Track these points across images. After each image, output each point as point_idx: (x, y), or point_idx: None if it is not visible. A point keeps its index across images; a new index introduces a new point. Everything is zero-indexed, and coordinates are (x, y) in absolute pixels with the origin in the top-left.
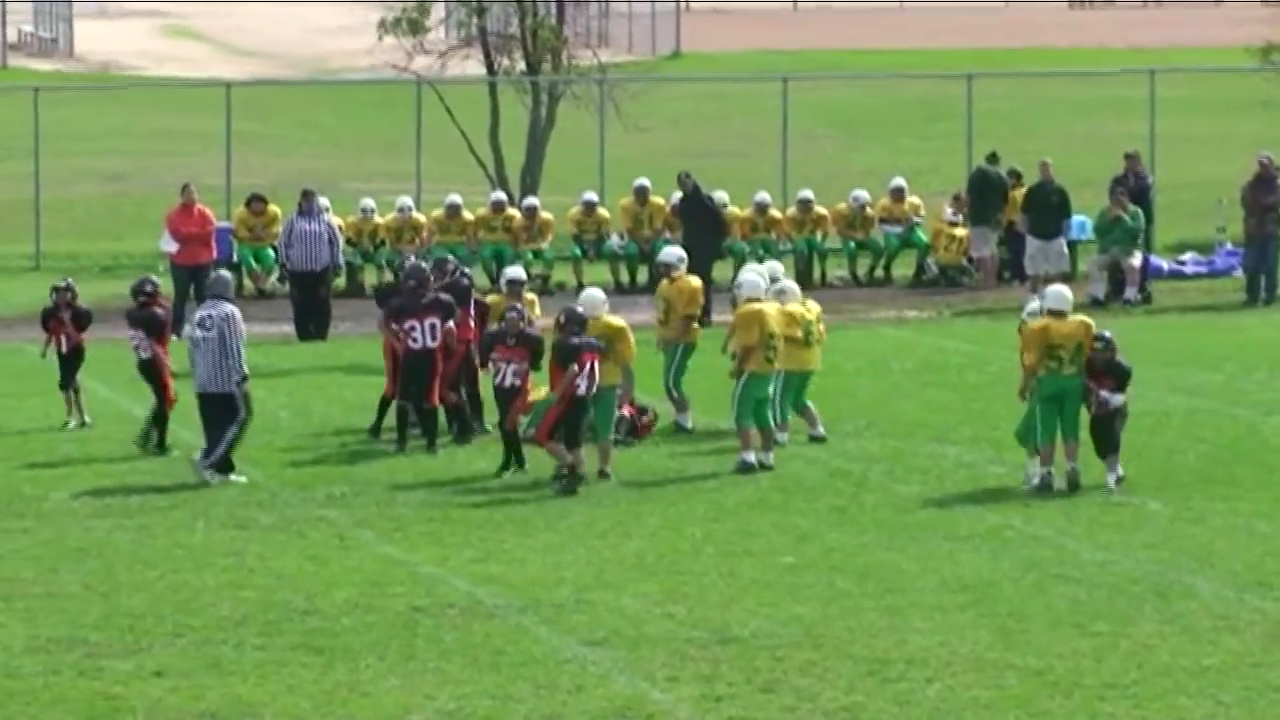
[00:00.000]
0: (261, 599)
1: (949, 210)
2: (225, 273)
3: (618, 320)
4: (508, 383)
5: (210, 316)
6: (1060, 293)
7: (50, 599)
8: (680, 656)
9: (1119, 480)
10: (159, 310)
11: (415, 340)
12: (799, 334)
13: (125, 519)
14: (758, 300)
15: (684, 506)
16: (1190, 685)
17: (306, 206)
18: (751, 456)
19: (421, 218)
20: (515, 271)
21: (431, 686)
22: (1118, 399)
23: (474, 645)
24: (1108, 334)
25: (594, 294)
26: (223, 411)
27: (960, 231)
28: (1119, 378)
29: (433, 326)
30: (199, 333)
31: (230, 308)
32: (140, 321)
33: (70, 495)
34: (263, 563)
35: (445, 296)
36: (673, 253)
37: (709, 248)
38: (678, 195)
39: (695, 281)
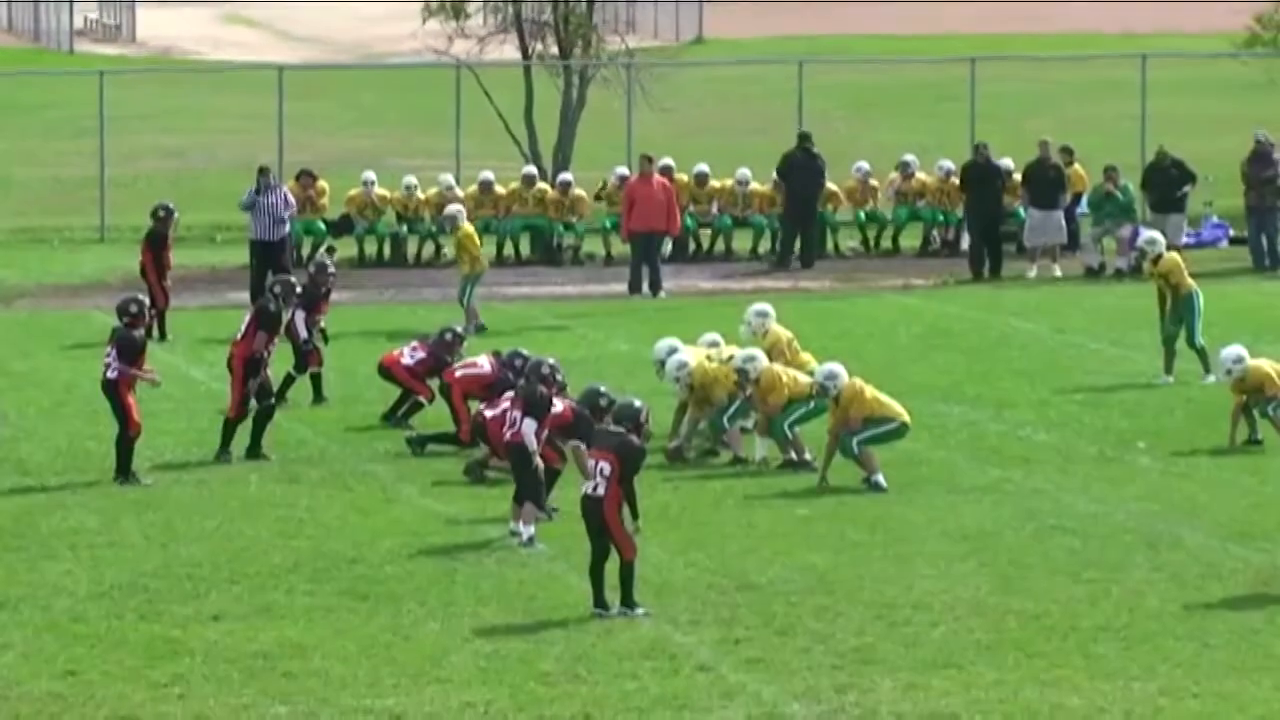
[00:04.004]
0: (311, 548)
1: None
2: None
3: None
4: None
5: None
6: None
7: (113, 548)
8: (701, 602)
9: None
10: (138, 334)
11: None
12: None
13: (184, 474)
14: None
15: (705, 466)
16: (1178, 628)
17: (263, 182)
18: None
19: (460, 192)
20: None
21: (469, 630)
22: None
23: (509, 592)
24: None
25: (670, 347)
26: None
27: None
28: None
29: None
30: None
31: None
32: (118, 341)
33: None
34: (312, 515)
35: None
36: (752, 357)
37: (993, 210)
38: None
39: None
